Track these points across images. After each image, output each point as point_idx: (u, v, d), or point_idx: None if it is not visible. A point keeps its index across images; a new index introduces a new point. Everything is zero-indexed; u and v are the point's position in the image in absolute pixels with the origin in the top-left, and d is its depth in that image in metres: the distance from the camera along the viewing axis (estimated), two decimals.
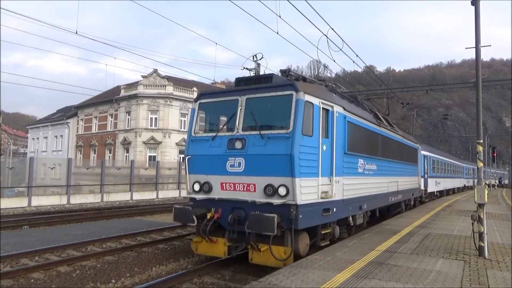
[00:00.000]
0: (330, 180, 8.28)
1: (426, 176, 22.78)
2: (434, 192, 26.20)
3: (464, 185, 44.24)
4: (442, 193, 30.62)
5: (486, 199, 8.00)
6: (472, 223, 8.31)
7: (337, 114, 8.58)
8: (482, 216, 8.06)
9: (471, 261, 7.42)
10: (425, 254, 7.87)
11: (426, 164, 22.94)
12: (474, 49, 8.88)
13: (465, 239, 9.86)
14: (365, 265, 6.78)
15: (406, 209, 17.46)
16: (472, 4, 8.77)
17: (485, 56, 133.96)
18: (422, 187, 21.26)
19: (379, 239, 9.46)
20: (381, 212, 13.63)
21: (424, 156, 22.57)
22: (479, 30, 8.75)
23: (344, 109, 9.11)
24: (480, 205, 8.13)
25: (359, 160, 10.11)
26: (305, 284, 5.56)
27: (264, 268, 7.55)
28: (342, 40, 12.66)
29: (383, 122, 13.34)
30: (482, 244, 7.90)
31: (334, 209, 8.33)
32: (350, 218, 9.62)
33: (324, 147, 8.00)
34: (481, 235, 7.94)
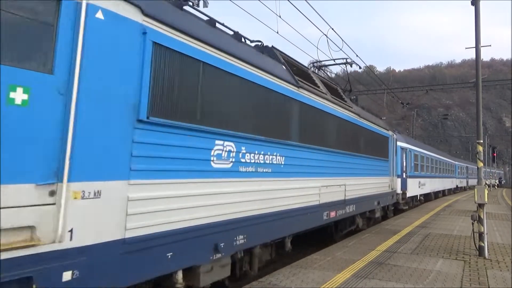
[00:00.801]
0: (52, 193, 3.15)
1: (405, 176, 17.63)
2: (417, 196, 20.49)
3: (457, 185, 39.13)
4: (429, 197, 24.50)
5: (486, 199, 8.02)
6: (472, 223, 8.34)
7: (103, 17, 3.59)
8: (482, 216, 8.08)
9: (471, 261, 7.43)
10: (425, 254, 7.88)
11: (405, 160, 17.83)
12: (474, 49, 8.93)
13: (465, 239, 9.87)
14: (365, 265, 6.80)
15: (370, 224, 12.41)
16: (472, 4, 8.80)
17: (485, 56, 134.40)
18: (399, 190, 16.14)
19: (379, 239, 9.48)
20: (312, 236, 9.22)
21: (402, 149, 17.36)
22: (479, 30, 8.78)
23: (144, 13, 4.03)
24: (480, 205, 8.15)
25: (219, 143, 5.09)
26: (305, 284, 5.56)
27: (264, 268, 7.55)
28: (342, 40, 12.69)
29: (316, 86, 8.17)
30: (482, 244, 7.91)
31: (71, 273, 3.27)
32: (180, 274, 4.50)
33: (18, 98, 2.95)
34: (481, 235, 7.95)
